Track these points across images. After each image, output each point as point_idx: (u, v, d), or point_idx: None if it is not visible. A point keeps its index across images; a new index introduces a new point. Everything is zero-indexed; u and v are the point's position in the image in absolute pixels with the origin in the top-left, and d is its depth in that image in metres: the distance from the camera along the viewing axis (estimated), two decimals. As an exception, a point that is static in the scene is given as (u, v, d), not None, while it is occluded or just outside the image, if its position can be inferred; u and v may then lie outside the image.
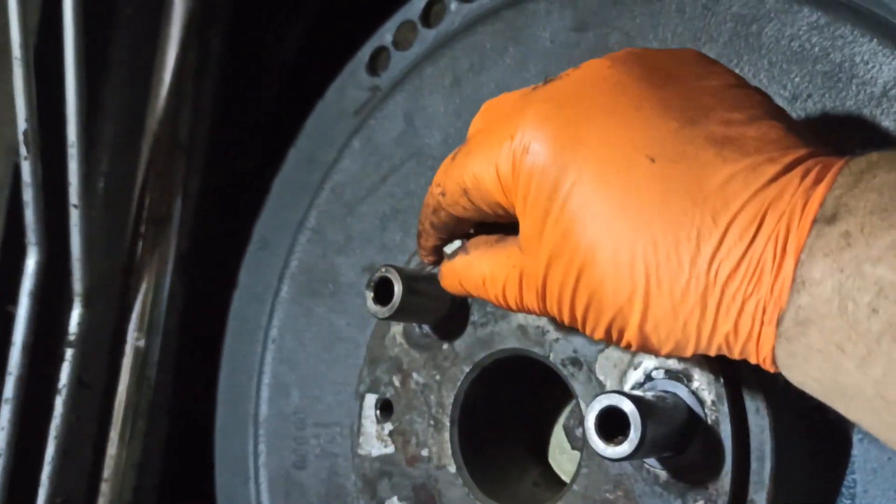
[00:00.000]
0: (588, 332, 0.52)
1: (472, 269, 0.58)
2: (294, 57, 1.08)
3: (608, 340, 0.51)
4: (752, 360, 0.47)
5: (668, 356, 0.53)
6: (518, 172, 0.51)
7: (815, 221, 0.44)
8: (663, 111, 0.48)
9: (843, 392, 0.44)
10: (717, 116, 0.48)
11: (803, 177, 0.45)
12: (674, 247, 0.46)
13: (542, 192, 0.50)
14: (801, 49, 0.64)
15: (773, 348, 0.45)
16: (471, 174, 0.54)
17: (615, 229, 0.47)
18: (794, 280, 0.43)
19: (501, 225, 0.59)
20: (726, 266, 0.45)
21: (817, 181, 0.45)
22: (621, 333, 0.50)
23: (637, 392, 0.58)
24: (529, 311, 0.55)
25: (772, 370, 0.47)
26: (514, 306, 0.56)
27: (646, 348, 0.50)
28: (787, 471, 0.56)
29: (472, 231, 0.62)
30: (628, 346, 0.51)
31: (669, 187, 0.46)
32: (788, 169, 0.46)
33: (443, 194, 0.57)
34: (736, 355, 0.48)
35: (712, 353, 0.48)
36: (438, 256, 0.65)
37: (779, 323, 0.44)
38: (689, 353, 0.49)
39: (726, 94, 0.50)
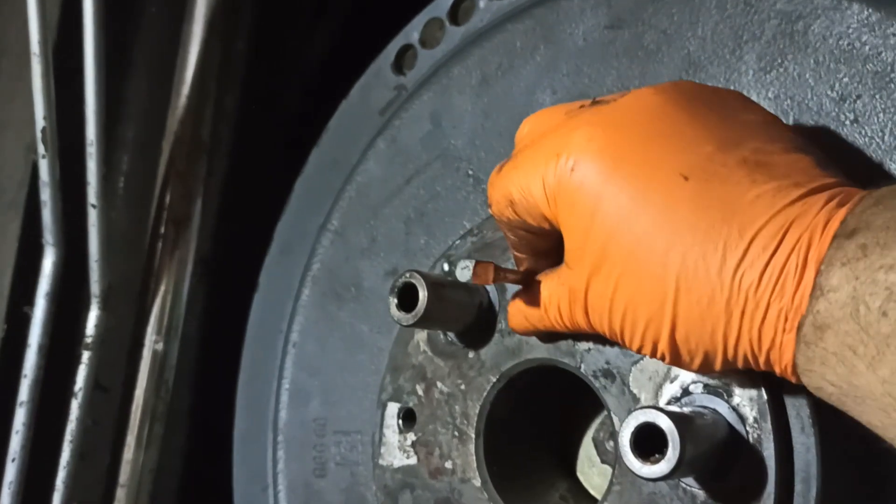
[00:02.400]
0: (627, 343, 0.53)
1: (533, 303, 0.60)
2: (320, 57, 1.06)
3: (645, 352, 0.53)
4: (776, 370, 0.49)
5: (700, 371, 0.53)
6: (564, 188, 0.54)
7: (835, 236, 0.47)
8: (700, 136, 0.52)
9: (856, 393, 0.46)
10: (750, 145, 0.52)
11: (828, 200, 0.49)
12: (702, 257, 0.49)
13: (585, 208, 0.53)
14: (851, 47, 0.61)
15: (794, 356, 0.47)
16: (518, 187, 0.57)
17: (650, 243, 0.50)
18: (813, 288, 0.46)
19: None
20: (750, 275, 0.48)
21: (840, 205, 0.48)
22: (655, 344, 0.52)
23: (674, 407, 0.55)
24: (580, 329, 0.57)
25: (793, 380, 0.49)
26: (568, 324, 0.57)
27: (678, 361, 0.52)
28: (834, 495, 0.52)
29: None
30: (663, 359, 0.52)
31: (701, 204, 0.50)
32: (813, 192, 0.49)
33: (490, 206, 0.60)
34: (761, 365, 0.49)
35: (739, 363, 0.50)
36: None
37: (799, 329, 0.47)
38: (717, 365, 0.50)
39: (762, 128, 0.54)
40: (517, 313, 0.62)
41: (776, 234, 0.48)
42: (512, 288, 0.66)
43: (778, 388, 0.54)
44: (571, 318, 0.56)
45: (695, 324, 0.49)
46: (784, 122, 0.59)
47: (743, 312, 0.48)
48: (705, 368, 0.51)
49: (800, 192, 0.49)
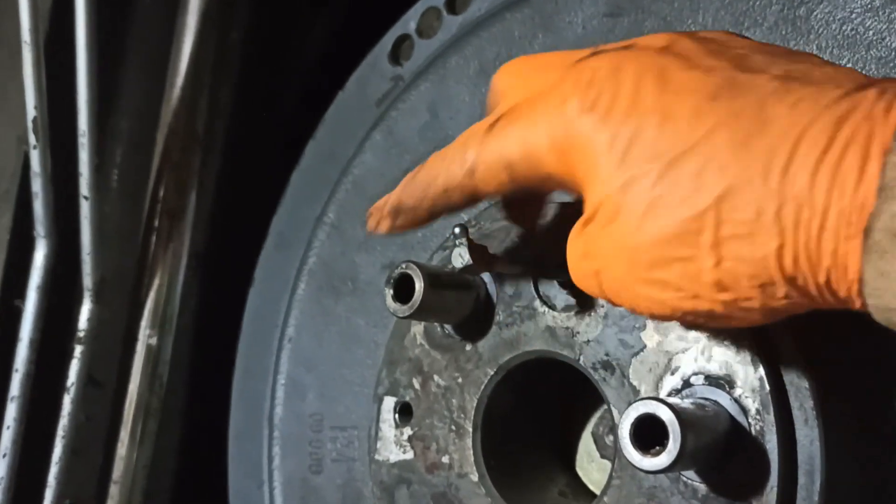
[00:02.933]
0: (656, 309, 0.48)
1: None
2: (316, 48, 1.05)
3: (684, 301, 0.46)
4: (840, 294, 0.42)
5: (751, 320, 0.46)
6: (580, 136, 0.48)
7: None
8: (721, 64, 0.46)
9: None
10: (778, 65, 0.46)
11: (881, 92, 0.42)
12: (744, 169, 0.43)
13: (615, 147, 0.47)
14: (854, 33, 0.60)
15: (861, 270, 0.41)
16: (518, 146, 0.50)
17: (684, 166, 0.44)
18: (879, 186, 0.39)
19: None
20: (801, 176, 0.41)
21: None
22: (696, 278, 0.45)
23: (675, 399, 0.54)
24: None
25: (857, 304, 0.42)
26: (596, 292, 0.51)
27: (726, 306, 0.45)
28: (838, 487, 0.51)
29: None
30: (706, 314, 0.46)
31: (734, 118, 0.44)
32: (861, 88, 0.43)
33: (472, 171, 0.52)
34: (824, 293, 0.43)
35: (795, 295, 0.43)
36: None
37: (866, 235, 0.40)
38: (778, 296, 0.44)
39: (784, 53, 0.48)
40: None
41: (827, 128, 0.41)
42: (511, 280, 0.65)
43: (782, 378, 0.53)
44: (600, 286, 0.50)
45: (742, 245, 0.43)
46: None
47: (797, 222, 0.41)
48: (757, 315, 0.45)
49: (845, 89, 0.42)
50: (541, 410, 0.70)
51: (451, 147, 0.54)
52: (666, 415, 0.48)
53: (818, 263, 0.42)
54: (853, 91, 0.42)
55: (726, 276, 0.44)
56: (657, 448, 0.48)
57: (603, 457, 0.71)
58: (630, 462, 0.49)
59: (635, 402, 0.49)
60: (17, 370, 0.78)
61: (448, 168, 0.54)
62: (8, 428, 0.78)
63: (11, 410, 0.78)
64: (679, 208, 0.44)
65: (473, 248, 0.56)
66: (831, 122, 0.41)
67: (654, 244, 0.46)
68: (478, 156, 0.52)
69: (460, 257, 0.56)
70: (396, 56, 0.87)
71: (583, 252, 0.50)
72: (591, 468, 0.72)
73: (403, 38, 0.86)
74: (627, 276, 0.48)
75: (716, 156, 0.44)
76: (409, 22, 0.86)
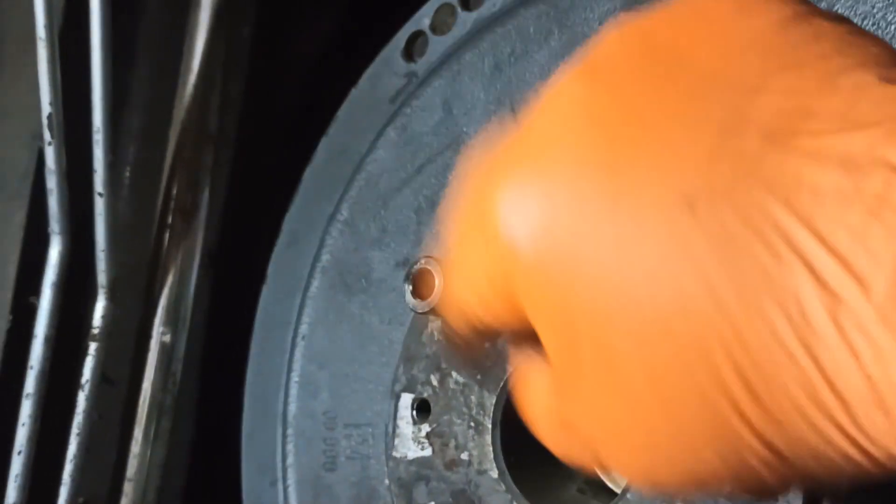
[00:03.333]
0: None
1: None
2: (328, 45, 1.05)
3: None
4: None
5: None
6: (507, 272, 0.36)
7: None
8: (684, 132, 0.31)
9: None
10: (766, 108, 0.30)
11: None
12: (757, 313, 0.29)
13: (546, 291, 0.34)
14: (876, 28, 0.60)
15: None
16: (463, 296, 0.40)
17: (670, 311, 0.31)
18: None
19: None
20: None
21: None
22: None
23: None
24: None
25: None
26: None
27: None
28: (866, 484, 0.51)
29: None
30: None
31: (720, 237, 0.30)
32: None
33: (444, 331, 0.44)
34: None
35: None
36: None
37: None
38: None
39: (773, 45, 0.32)
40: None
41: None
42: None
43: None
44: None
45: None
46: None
47: None
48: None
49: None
50: (559, 407, 0.70)
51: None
52: (694, 410, 0.48)
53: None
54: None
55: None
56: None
57: (621, 453, 0.71)
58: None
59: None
60: (31, 367, 0.78)
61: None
62: (23, 425, 0.77)
63: (26, 408, 0.77)
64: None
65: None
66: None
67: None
68: (446, 313, 0.44)
69: None
70: (410, 53, 0.87)
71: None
72: (609, 465, 0.71)
73: (417, 35, 0.86)
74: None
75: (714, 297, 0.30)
76: (422, 18, 0.86)
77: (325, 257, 0.89)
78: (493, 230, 0.36)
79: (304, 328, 0.89)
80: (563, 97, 0.35)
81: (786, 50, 0.31)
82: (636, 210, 0.31)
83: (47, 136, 0.73)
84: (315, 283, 0.89)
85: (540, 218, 0.34)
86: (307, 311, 0.89)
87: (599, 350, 0.33)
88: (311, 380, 0.87)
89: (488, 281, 0.37)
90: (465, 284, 0.40)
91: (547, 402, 0.40)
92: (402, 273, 0.82)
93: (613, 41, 0.35)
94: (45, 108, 0.73)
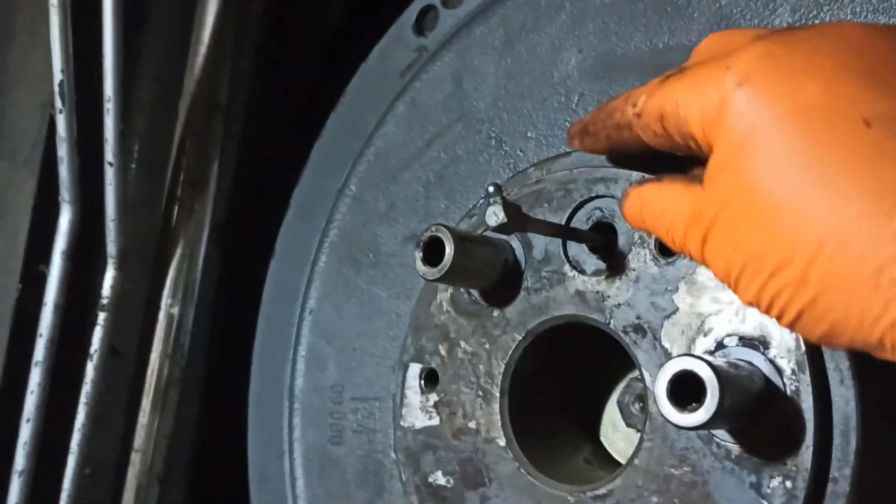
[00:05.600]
0: (739, 294, 0.47)
1: (659, 199, 0.53)
2: (339, 20, 1.04)
3: (759, 308, 0.47)
4: None
5: (816, 341, 0.46)
6: (725, 103, 0.47)
7: None
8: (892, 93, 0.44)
9: None
10: None
11: None
12: (864, 216, 0.42)
13: (741, 129, 0.46)
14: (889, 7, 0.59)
15: None
16: (675, 100, 0.51)
17: (807, 189, 0.44)
18: None
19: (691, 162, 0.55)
20: None
21: None
22: (773, 299, 0.45)
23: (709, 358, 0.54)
24: (688, 255, 0.51)
25: None
26: (678, 246, 0.51)
27: (799, 324, 0.45)
28: (874, 447, 0.51)
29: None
30: (779, 318, 0.46)
31: (878, 157, 0.43)
32: None
33: (638, 115, 0.54)
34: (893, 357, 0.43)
35: (872, 343, 0.43)
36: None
37: None
38: (844, 339, 0.44)
39: None
40: (636, 202, 0.55)
41: None
42: (540, 245, 0.64)
43: (816, 339, 0.52)
44: (684, 241, 0.50)
45: (832, 284, 0.43)
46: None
47: (893, 284, 0.41)
48: (826, 341, 0.45)
49: None
50: (567, 377, 0.70)
51: (638, 88, 0.55)
52: (704, 371, 0.48)
53: None
54: None
55: (807, 307, 0.44)
56: (693, 405, 0.48)
57: (629, 426, 0.70)
58: (666, 419, 0.49)
59: (672, 359, 0.49)
60: (41, 335, 0.78)
61: (624, 106, 0.55)
62: (32, 393, 0.78)
63: (35, 375, 0.78)
64: (784, 241, 0.44)
65: (508, 205, 0.56)
66: None
67: (746, 259, 0.46)
68: (645, 102, 0.54)
69: (494, 216, 0.56)
70: (421, 27, 0.86)
71: (688, 213, 0.50)
72: (616, 437, 0.71)
73: (428, 9, 0.86)
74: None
75: (843, 195, 0.43)
76: (434, -8, 0.85)
77: (333, 232, 0.89)
78: (733, 66, 0.47)
79: (311, 302, 0.89)
80: (843, 28, 0.48)
81: None
82: (829, 115, 0.44)
83: (59, 103, 0.73)
84: (323, 258, 0.89)
85: (770, 80, 0.46)
86: (315, 285, 0.89)
87: (746, 179, 0.46)
88: (318, 354, 0.87)
89: (703, 99, 0.49)
90: (682, 92, 0.50)
91: (682, 195, 0.51)
92: (410, 248, 0.82)
93: (873, 32, 0.48)
94: (57, 76, 0.73)
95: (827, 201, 0.43)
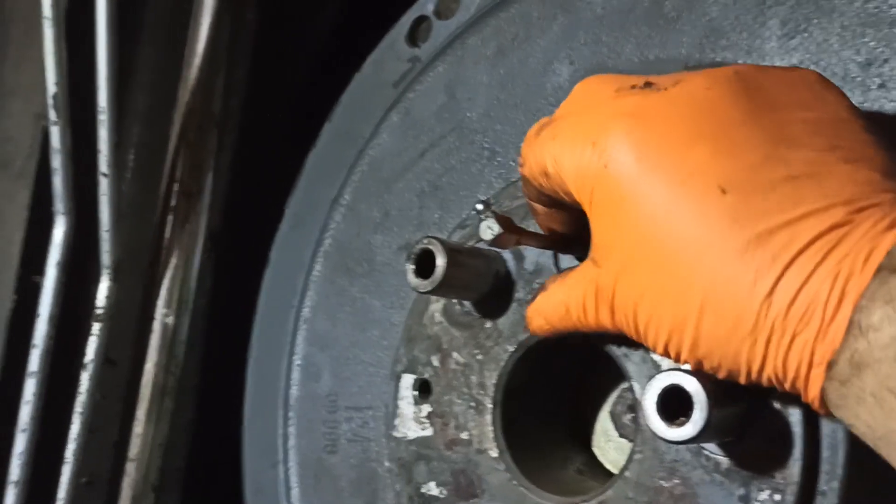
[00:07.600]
0: (651, 347, 0.51)
1: (552, 300, 0.58)
2: (331, 29, 1.05)
3: (671, 358, 0.51)
4: (803, 399, 0.47)
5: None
6: (598, 181, 0.51)
7: (879, 269, 0.43)
8: (749, 142, 0.48)
9: (892, 438, 0.44)
10: (804, 154, 0.48)
11: (876, 222, 0.45)
12: (732, 279, 0.46)
13: (617, 207, 0.50)
14: (878, 10, 0.60)
15: (823, 389, 0.45)
16: (553, 160, 0.54)
17: (680, 255, 0.48)
18: (850, 324, 0.43)
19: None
20: (779, 304, 0.45)
21: (890, 227, 0.44)
22: (678, 354, 0.50)
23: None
24: (603, 328, 0.54)
25: (821, 412, 0.47)
26: (592, 323, 0.55)
27: (702, 370, 0.50)
28: (862, 460, 0.51)
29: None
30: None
31: (737, 220, 0.47)
32: (861, 211, 0.45)
33: (522, 166, 0.58)
34: (787, 390, 0.47)
35: (763, 384, 0.48)
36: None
37: (831, 366, 0.44)
38: (742, 381, 0.48)
39: (826, 128, 0.50)
40: (536, 316, 0.60)
41: (813, 261, 0.44)
42: (531, 257, 0.65)
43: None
44: (597, 317, 0.54)
45: (718, 344, 0.47)
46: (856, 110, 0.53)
47: (768, 341, 0.46)
48: (730, 379, 0.49)
49: (846, 211, 0.45)
50: (559, 389, 0.71)
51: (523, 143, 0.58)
52: (692, 385, 0.48)
53: (784, 377, 0.46)
54: (854, 213, 0.45)
55: (703, 359, 0.49)
56: (681, 419, 0.48)
57: (621, 436, 0.71)
58: (654, 433, 0.49)
59: (660, 373, 0.50)
60: (35, 346, 0.78)
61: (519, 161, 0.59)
62: (27, 403, 0.78)
63: (30, 386, 0.78)
64: (670, 300, 0.49)
65: (501, 218, 0.56)
66: (820, 253, 0.45)
67: (648, 317, 0.50)
68: (525, 155, 0.57)
69: (489, 229, 0.57)
70: (414, 37, 0.87)
71: (593, 291, 0.54)
72: (608, 447, 0.72)
73: (421, 20, 0.86)
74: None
75: (711, 259, 0.47)
76: (427, 3, 0.86)
77: (327, 241, 0.89)
78: (599, 142, 0.51)
79: (306, 311, 0.89)
80: (695, 91, 0.51)
81: (822, 120, 0.50)
82: (688, 186, 0.48)
83: (52, 115, 0.74)
84: (317, 267, 0.89)
85: (633, 159, 0.50)
86: (309, 294, 0.89)
87: (630, 250, 0.50)
88: (312, 363, 0.88)
89: (577, 166, 0.52)
90: (557, 152, 0.54)
91: (579, 280, 0.55)
92: (404, 257, 0.82)
93: (745, 72, 0.52)
94: (51, 88, 0.73)
95: (701, 268, 0.47)
